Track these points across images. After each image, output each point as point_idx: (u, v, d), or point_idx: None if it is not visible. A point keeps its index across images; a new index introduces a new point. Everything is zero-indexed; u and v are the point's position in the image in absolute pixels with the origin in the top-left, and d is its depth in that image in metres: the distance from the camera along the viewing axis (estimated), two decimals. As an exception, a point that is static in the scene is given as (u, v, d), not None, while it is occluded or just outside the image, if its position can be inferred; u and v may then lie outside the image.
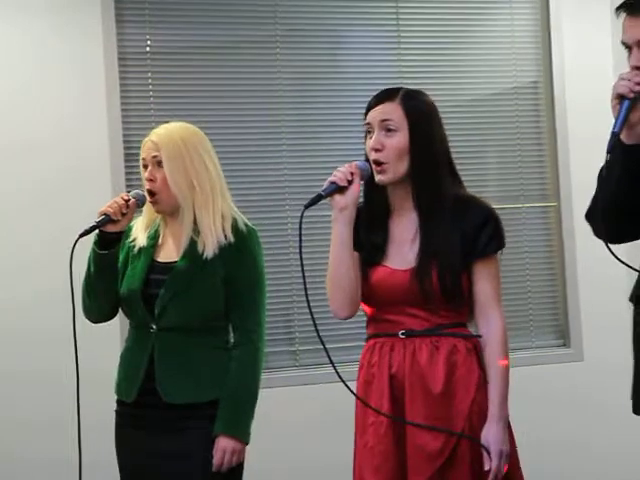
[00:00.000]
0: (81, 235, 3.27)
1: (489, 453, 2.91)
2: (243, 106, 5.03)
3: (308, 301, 2.90)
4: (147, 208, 3.41)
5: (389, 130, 2.99)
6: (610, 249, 2.87)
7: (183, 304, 3.28)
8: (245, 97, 5.03)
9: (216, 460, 3.23)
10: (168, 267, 3.32)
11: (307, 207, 2.92)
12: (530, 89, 5.45)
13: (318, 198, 2.95)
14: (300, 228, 2.90)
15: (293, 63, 5.10)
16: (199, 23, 4.99)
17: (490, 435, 2.93)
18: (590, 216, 3.00)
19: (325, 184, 2.97)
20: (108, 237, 3.32)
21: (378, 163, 2.99)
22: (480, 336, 3.01)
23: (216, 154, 3.40)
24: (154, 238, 3.38)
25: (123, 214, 3.32)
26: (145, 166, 3.35)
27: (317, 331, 2.90)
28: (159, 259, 3.36)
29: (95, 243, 3.32)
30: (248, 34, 5.05)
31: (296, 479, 4.84)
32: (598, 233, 2.99)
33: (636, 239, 2.96)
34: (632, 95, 2.74)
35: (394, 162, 2.98)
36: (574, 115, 5.33)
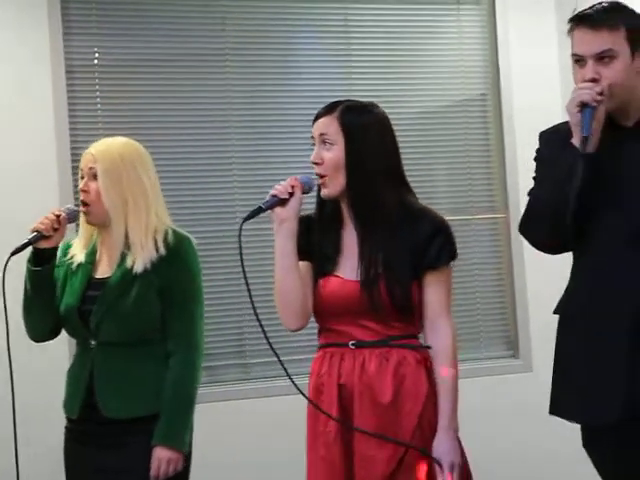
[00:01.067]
0: (13, 253, 3.28)
1: (441, 465, 2.92)
2: (192, 118, 5.03)
3: (256, 313, 2.91)
4: (83, 225, 3.42)
5: (326, 143, 3.01)
6: None
7: (117, 318, 3.29)
8: (194, 109, 5.03)
9: (152, 470, 3.24)
10: (103, 283, 3.33)
11: (246, 220, 2.93)
12: (478, 101, 5.49)
13: (258, 211, 2.96)
14: (240, 241, 2.89)
15: (243, 75, 5.11)
16: (147, 35, 4.99)
17: (441, 446, 2.93)
18: (526, 228, 3.03)
19: (267, 197, 2.98)
20: (42, 254, 3.32)
21: (320, 176, 3.03)
22: (430, 347, 3.02)
23: (155, 170, 3.41)
24: (92, 254, 3.39)
25: (55, 229, 3.32)
26: (82, 177, 3.38)
27: (268, 340, 2.90)
28: (96, 275, 3.37)
29: (29, 261, 3.33)
30: (197, 46, 5.04)
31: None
32: (535, 244, 3.02)
33: (569, 251, 3.00)
34: (595, 104, 2.79)
35: (332, 175, 3.01)
36: (522, 127, 5.35)
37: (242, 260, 2.93)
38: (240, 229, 2.89)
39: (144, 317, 3.31)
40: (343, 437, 2.97)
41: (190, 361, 3.34)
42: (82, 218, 3.41)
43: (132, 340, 3.30)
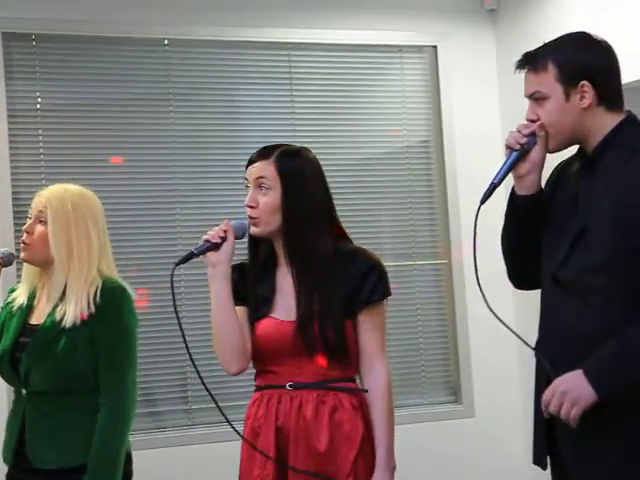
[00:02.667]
0: None
1: None
2: (136, 163, 5.01)
3: (191, 357, 2.94)
4: (26, 268, 3.40)
5: (263, 188, 3.03)
6: (491, 310, 2.90)
7: (46, 368, 3.25)
8: (138, 154, 5.02)
9: None
10: (33, 330, 3.30)
11: (178, 264, 2.96)
12: (421, 148, 5.53)
13: (190, 256, 2.98)
14: (172, 286, 2.95)
15: (186, 120, 5.11)
16: (91, 80, 4.96)
17: None
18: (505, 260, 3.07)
19: (200, 242, 3.00)
20: None
21: (252, 217, 3.05)
22: (366, 391, 3.02)
23: (105, 220, 3.40)
24: (31, 299, 3.36)
25: None
26: (29, 218, 3.37)
27: (205, 385, 2.93)
28: (31, 321, 3.34)
29: None
30: (141, 91, 5.05)
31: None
32: (509, 277, 3.05)
33: (536, 288, 3.02)
34: (518, 147, 2.81)
35: (266, 218, 3.03)
36: (464, 173, 5.41)
37: (175, 305, 2.96)
38: (172, 274, 2.93)
39: (72, 368, 3.26)
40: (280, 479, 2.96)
41: (118, 414, 3.28)
42: (26, 267, 3.40)
43: (61, 390, 3.26)
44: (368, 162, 5.42)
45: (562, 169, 2.92)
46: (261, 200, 3.03)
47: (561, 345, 2.79)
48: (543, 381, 2.87)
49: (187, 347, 2.93)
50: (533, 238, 2.90)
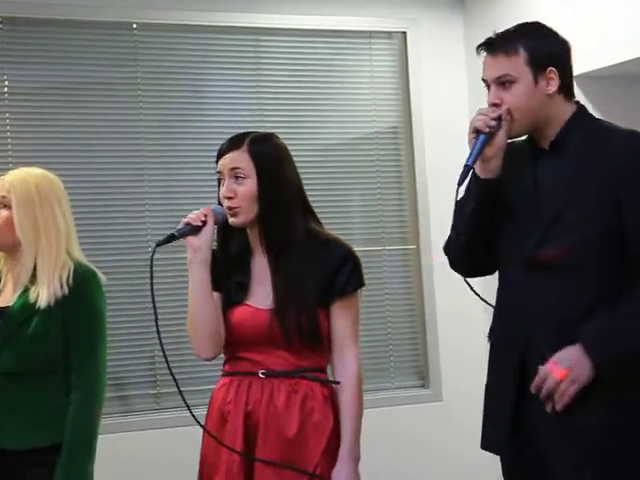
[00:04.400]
0: None
1: None
2: (104, 147, 4.99)
3: (160, 340, 2.94)
4: None
5: (238, 177, 3.03)
6: (468, 282, 2.97)
7: (15, 349, 3.26)
8: (106, 137, 4.99)
9: None
10: (2, 312, 3.30)
11: (159, 245, 2.97)
12: (390, 134, 5.54)
13: (171, 238, 2.98)
14: (151, 266, 2.92)
15: (154, 105, 5.09)
16: (58, 64, 4.94)
17: (340, 476, 2.96)
18: (447, 248, 3.07)
19: (180, 225, 3.00)
20: None
21: (231, 208, 3.04)
22: (338, 382, 3.04)
23: (69, 204, 3.40)
24: None
25: None
26: None
27: (170, 370, 2.94)
28: None
29: None
30: (109, 75, 5.02)
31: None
32: (454, 265, 3.07)
33: (491, 273, 3.05)
34: (487, 130, 2.84)
35: (246, 207, 3.03)
36: (433, 158, 5.43)
37: (152, 284, 2.95)
38: (152, 254, 2.92)
39: (43, 349, 3.28)
40: (246, 468, 2.97)
41: (90, 395, 3.31)
42: None
43: (31, 371, 3.28)
44: (337, 147, 5.42)
45: (507, 155, 2.93)
46: (239, 190, 3.03)
47: (540, 326, 2.83)
48: (506, 366, 2.89)
49: (158, 328, 2.94)
50: (490, 223, 2.93)
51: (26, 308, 3.26)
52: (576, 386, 2.70)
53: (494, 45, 2.88)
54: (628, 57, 4.54)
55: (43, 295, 3.25)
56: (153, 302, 2.94)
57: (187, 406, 2.94)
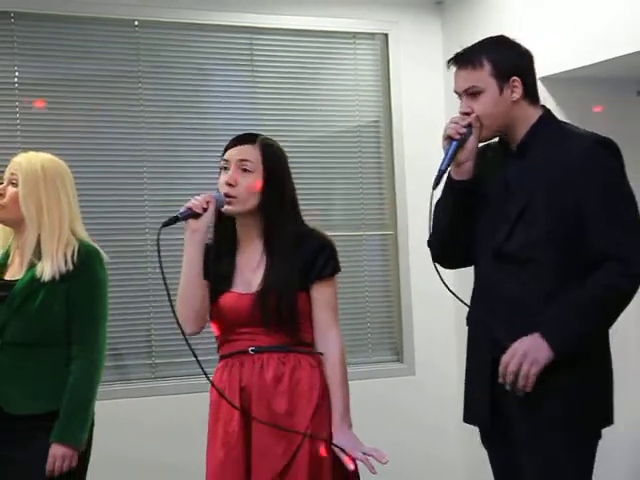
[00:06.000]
0: None
1: (342, 449, 2.97)
2: (107, 136, 4.96)
3: (174, 311, 3.00)
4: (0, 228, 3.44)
5: (245, 170, 3.05)
6: (442, 279, 3.02)
7: (21, 321, 3.28)
8: (109, 127, 4.97)
9: (48, 465, 3.24)
10: (10, 285, 3.32)
11: (164, 226, 2.98)
12: (372, 128, 5.54)
13: (175, 219, 3.01)
14: (158, 244, 2.93)
15: (155, 97, 5.06)
16: (65, 57, 4.91)
17: (344, 440, 3.00)
18: (430, 245, 3.11)
19: (182, 208, 3.02)
20: None
21: (229, 196, 3.06)
22: (322, 354, 3.08)
23: (74, 187, 3.43)
24: (5, 257, 3.38)
25: None
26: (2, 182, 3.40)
27: (185, 336, 2.98)
28: (6, 277, 3.37)
29: None
30: (112, 69, 5.00)
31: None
32: (436, 260, 3.11)
33: (468, 265, 3.09)
34: (458, 137, 2.92)
35: (244, 198, 3.06)
36: (410, 151, 5.43)
37: (160, 262, 2.95)
38: (159, 234, 2.93)
39: (47, 321, 3.30)
40: (244, 437, 3.00)
41: (91, 365, 3.33)
42: None
43: (35, 341, 3.30)
44: (323, 139, 5.42)
45: (480, 156, 2.98)
46: (242, 181, 3.06)
47: (507, 312, 2.89)
48: (480, 352, 2.95)
49: (170, 298, 2.98)
50: (466, 220, 2.99)
51: (33, 282, 3.28)
52: (537, 366, 2.75)
53: (461, 60, 2.96)
54: (595, 60, 4.54)
55: (47, 269, 3.27)
56: (163, 277, 2.94)
57: (196, 358, 2.96)
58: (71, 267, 3.29)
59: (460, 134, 2.89)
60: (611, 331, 2.93)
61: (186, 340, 2.96)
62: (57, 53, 4.90)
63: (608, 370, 2.93)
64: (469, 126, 2.89)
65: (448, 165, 2.92)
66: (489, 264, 2.95)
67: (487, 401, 2.94)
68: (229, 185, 3.06)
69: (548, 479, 2.86)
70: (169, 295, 2.96)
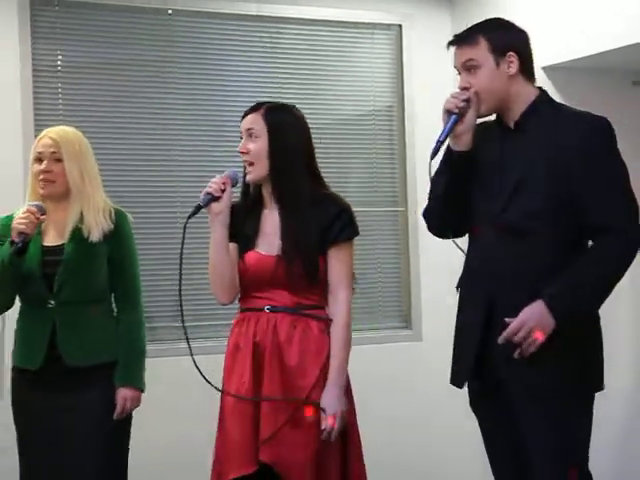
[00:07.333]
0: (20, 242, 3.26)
1: (324, 411, 3.01)
2: (141, 116, 4.97)
3: (180, 290, 3.08)
4: (30, 198, 3.43)
5: (252, 136, 3.11)
6: (455, 242, 3.02)
7: (78, 280, 3.36)
8: (143, 108, 4.98)
9: (118, 408, 3.36)
10: (59, 249, 3.38)
11: (189, 217, 3.08)
12: (386, 112, 5.55)
13: (198, 209, 3.10)
14: (183, 236, 3.04)
15: (186, 81, 5.07)
16: (104, 43, 4.93)
17: (327, 398, 3.03)
18: (425, 214, 3.11)
19: (202, 195, 3.10)
20: (24, 248, 3.30)
21: (248, 163, 3.12)
22: (331, 320, 3.11)
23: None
24: (39, 226, 3.38)
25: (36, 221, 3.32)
26: (39, 159, 3.39)
27: (182, 315, 3.08)
28: (45, 243, 3.40)
29: (11, 254, 3.27)
30: (147, 54, 5.02)
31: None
32: (430, 229, 3.11)
33: (460, 236, 3.09)
34: (457, 110, 2.88)
35: (257, 163, 3.11)
36: (421, 133, 5.39)
37: (182, 252, 3.04)
38: (184, 226, 3.03)
39: (98, 280, 3.41)
40: (255, 388, 3.05)
41: (137, 315, 3.47)
42: (30, 194, 3.45)
43: (87, 299, 3.39)
44: (340, 122, 5.42)
45: (479, 133, 2.95)
46: (251, 147, 3.12)
47: (500, 280, 2.88)
48: (473, 312, 2.96)
49: (180, 282, 3.07)
50: (463, 190, 2.96)
51: (82, 245, 3.37)
52: (542, 336, 2.76)
53: (459, 39, 2.95)
54: (593, 52, 4.53)
55: (95, 232, 3.36)
56: (180, 264, 3.04)
57: (187, 340, 3.05)
58: (112, 228, 3.39)
59: (458, 108, 2.86)
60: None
61: (182, 320, 3.07)
62: (96, 39, 4.93)
63: (598, 336, 2.92)
64: (467, 100, 2.86)
65: (446, 137, 2.89)
66: (487, 233, 2.92)
67: (473, 355, 2.92)
68: (242, 153, 3.13)
69: (552, 435, 2.82)
70: (180, 277, 3.01)
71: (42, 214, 3.34)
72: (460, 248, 3.06)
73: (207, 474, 3.18)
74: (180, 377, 4.78)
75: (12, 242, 3.26)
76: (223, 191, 3.08)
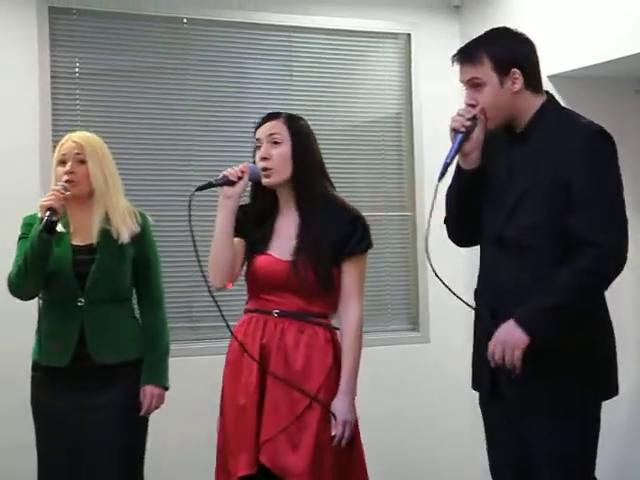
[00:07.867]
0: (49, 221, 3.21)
1: (335, 417, 2.99)
2: (158, 123, 4.99)
3: (204, 275, 3.04)
4: None
5: (275, 142, 3.09)
6: (437, 276, 2.98)
7: (109, 280, 3.37)
8: (158, 114, 5.00)
9: (145, 405, 3.38)
10: (90, 249, 3.38)
11: (198, 190, 3.06)
12: (394, 119, 5.55)
13: (209, 185, 3.08)
14: (189, 207, 2.99)
15: (201, 88, 5.09)
16: (121, 50, 4.96)
17: (338, 406, 3.02)
18: (446, 223, 3.09)
19: (219, 175, 3.08)
20: (53, 225, 3.27)
21: (265, 169, 3.07)
22: (338, 329, 3.11)
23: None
24: (66, 226, 3.40)
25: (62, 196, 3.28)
26: (63, 161, 3.38)
27: (214, 300, 3.02)
28: (75, 242, 3.39)
29: (41, 231, 3.23)
30: (162, 62, 5.05)
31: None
32: (450, 237, 3.10)
33: (476, 244, 3.06)
34: (463, 129, 2.84)
35: (279, 168, 3.09)
36: (428, 142, 5.42)
37: (191, 226, 3.00)
38: (191, 197, 2.99)
39: (125, 280, 3.43)
40: (260, 388, 3.03)
41: (161, 315, 3.50)
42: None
43: (115, 298, 3.41)
44: (350, 128, 5.44)
45: (487, 142, 2.89)
46: (274, 152, 3.09)
47: (502, 296, 2.85)
48: (483, 328, 2.92)
49: (200, 266, 3.02)
50: (475, 204, 2.94)
51: (110, 245, 3.38)
52: (518, 351, 2.69)
53: (463, 56, 2.87)
54: (601, 59, 4.50)
55: (124, 233, 3.37)
56: (193, 240, 2.99)
57: (229, 329, 3.04)
58: (139, 229, 3.41)
59: (465, 127, 2.81)
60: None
61: (211, 295, 3.02)
62: (113, 47, 4.96)
63: (610, 344, 2.85)
64: (474, 118, 2.81)
65: (453, 157, 2.84)
66: (490, 247, 2.90)
67: (487, 372, 2.87)
68: (264, 159, 3.10)
69: (559, 450, 2.77)
70: (197, 250, 2.96)
71: (66, 191, 3.32)
72: (434, 271, 2.99)
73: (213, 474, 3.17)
74: (188, 377, 4.79)
75: (41, 219, 3.23)
76: (240, 179, 3.06)
